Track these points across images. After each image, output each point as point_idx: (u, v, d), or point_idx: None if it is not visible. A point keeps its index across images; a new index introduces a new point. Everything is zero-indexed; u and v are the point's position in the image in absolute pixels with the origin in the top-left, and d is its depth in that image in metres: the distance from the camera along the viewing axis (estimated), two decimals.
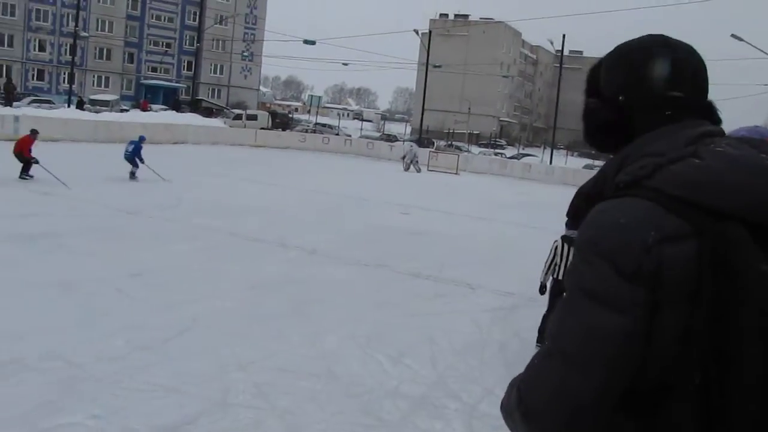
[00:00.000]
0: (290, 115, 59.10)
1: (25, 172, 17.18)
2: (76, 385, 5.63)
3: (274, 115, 53.51)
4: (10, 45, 59.21)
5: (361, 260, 11.56)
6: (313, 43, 43.50)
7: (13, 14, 58.86)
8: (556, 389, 1.18)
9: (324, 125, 55.88)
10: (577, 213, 1.40)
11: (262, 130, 42.73)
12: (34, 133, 17.76)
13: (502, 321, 8.79)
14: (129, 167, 18.82)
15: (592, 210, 1.25)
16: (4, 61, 58.30)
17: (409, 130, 66.07)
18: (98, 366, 6.02)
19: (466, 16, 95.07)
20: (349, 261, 11.47)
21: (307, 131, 48.10)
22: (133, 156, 18.91)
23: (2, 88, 33.30)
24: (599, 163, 51.02)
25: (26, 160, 17.23)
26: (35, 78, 60.76)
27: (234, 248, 11.67)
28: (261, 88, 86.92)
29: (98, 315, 7.41)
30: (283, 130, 47.07)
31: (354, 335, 7.53)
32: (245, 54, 71.92)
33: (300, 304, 8.55)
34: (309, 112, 67.09)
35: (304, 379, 6.21)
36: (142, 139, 19.42)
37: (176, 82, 68.21)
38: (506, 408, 1.30)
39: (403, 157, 34.28)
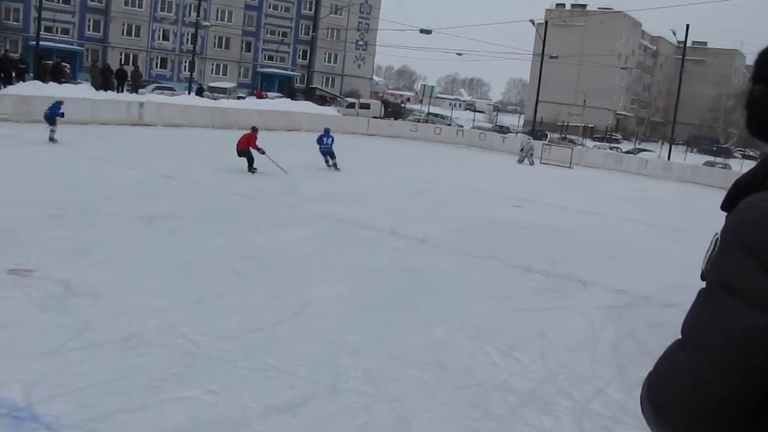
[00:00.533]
0: (403, 105, 59.21)
1: (250, 166, 18.23)
2: (193, 361, 5.83)
3: (386, 104, 53.78)
4: (137, 35, 61.90)
5: (471, 251, 11.45)
6: (429, 32, 43.39)
7: (140, 6, 61.52)
8: (689, 382, 1.10)
9: (436, 115, 55.69)
10: (732, 206, 1.30)
11: (375, 119, 43.00)
12: (254, 129, 18.91)
13: (615, 319, 8.52)
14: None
15: (742, 201, 1.15)
16: (131, 50, 61.01)
17: (522, 121, 65.10)
18: (214, 344, 6.20)
19: (584, 5, 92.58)
20: (460, 252, 11.39)
21: (419, 121, 48.05)
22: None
23: (130, 75, 34.83)
24: (720, 160, 48.86)
25: (248, 154, 18.23)
26: (158, 66, 63.30)
27: (346, 235, 11.80)
28: (374, 77, 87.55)
29: (215, 295, 7.65)
30: (396, 119, 47.23)
31: (463, 326, 7.46)
32: (359, 43, 72.63)
33: (410, 292, 8.55)
34: (421, 102, 67.08)
35: (413, 367, 6.20)
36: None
37: (291, 71, 69.58)
38: (640, 397, 1.23)
39: (521, 149, 33.76)
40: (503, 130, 52.86)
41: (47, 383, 5.14)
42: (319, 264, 9.55)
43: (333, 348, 6.42)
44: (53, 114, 21.38)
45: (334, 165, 21.02)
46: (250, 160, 18.12)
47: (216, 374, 5.60)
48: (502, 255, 11.34)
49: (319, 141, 21.26)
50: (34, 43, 37.28)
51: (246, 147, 18.23)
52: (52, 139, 20.82)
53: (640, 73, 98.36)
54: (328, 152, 21.09)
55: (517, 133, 49.39)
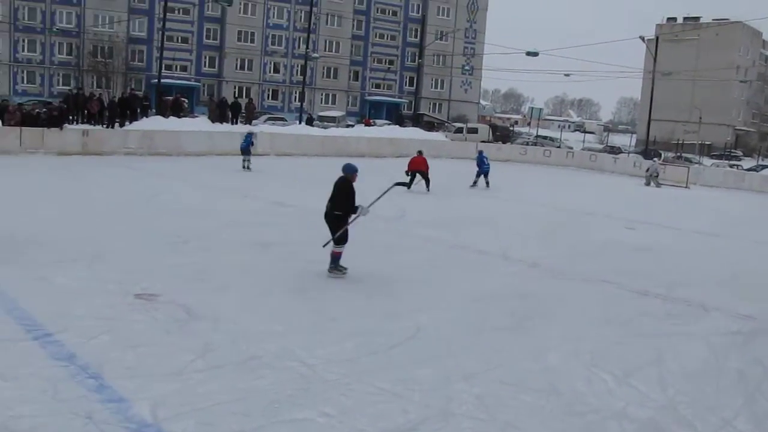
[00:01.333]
0: (511, 128, 58.84)
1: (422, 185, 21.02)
2: (309, 383, 5.96)
3: (494, 127, 53.63)
4: (249, 69, 64.25)
5: (585, 276, 11.22)
6: (536, 54, 42.96)
7: (252, 41, 63.90)
8: None
9: (545, 138, 55.06)
10: None
11: (483, 143, 42.89)
12: (420, 153, 21.98)
13: (740, 346, 8.11)
14: None
15: None
16: (245, 83, 63.37)
17: (633, 141, 63.34)
18: (329, 367, 6.32)
19: (697, 18, 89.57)
20: (573, 276, 11.17)
21: (527, 144, 47.66)
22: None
23: (244, 108, 36.15)
24: None
25: (423, 175, 21.15)
26: (270, 97, 65.38)
27: (456, 259, 11.80)
28: (481, 101, 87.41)
29: (329, 319, 7.80)
30: (504, 142, 46.99)
31: (578, 352, 7.31)
32: (465, 68, 72.75)
33: (522, 318, 8.46)
34: (529, 124, 66.54)
35: (526, 393, 6.12)
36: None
37: (399, 98, 70.39)
38: None
39: (647, 172, 32.75)
40: (614, 150, 51.64)
41: (172, 402, 5.39)
42: (431, 289, 9.59)
43: (446, 373, 6.43)
44: (247, 144, 24.33)
45: (487, 183, 23.75)
46: (413, 181, 20.53)
47: (331, 397, 5.70)
48: (617, 279, 11.05)
49: (480, 162, 23.94)
50: (156, 80, 39.31)
51: (421, 168, 21.05)
52: (247, 168, 22.85)
53: (761, 85, 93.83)
54: (486, 172, 23.77)
55: (628, 153, 48.12)
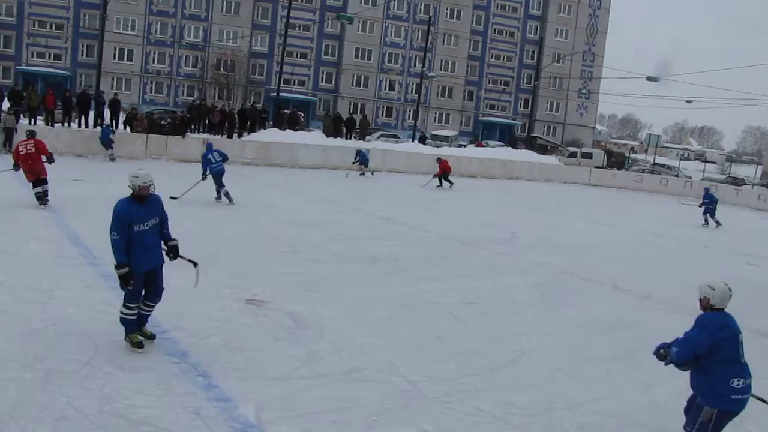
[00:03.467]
0: (627, 155, 57.29)
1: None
2: (409, 399, 5.98)
3: (609, 153, 52.36)
4: (365, 85, 65.31)
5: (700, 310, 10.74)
6: (656, 80, 41.70)
7: (369, 58, 65.00)
8: None
9: (662, 166, 53.26)
10: None
11: (597, 169, 41.95)
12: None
13: None
14: None
15: None
16: (360, 99, 64.42)
17: (759, 173, 60.42)
18: (430, 385, 6.32)
19: None
20: (687, 310, 10.67)
21: (643, 171, 46.22)
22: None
23: (358, 124, 36.70)
24: None
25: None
26: (384, 114, 66.19)
27: (565, 285, 11.56)
28: (597, 126, 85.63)
29: (433, 337, 7.80)
30: (619, 169, 45.82)
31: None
32: (582, 92, 71.44)
33: (631, 349, 8.18)
34: (646, 151, 64.45)
35: (631, 428, 5.95)
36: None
37: (512, 119, 69.79)
38: None
39: None
40: (737, 181, 49.42)
41: (276, 406, 5.54)
42: (537, 313, 9.44)
43: (548, 399, 6.31)
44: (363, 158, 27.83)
45: (716, 222, 23.59)
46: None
47: (430, 414, 5.70)
48: (736, 316, 10.51)
49: (707, 199, 23.97)
50: (275, 94, 40.54)
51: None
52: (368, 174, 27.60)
53: None
54: (711, 211, 23.70)
55: (752, 185, 45.95)
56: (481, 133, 64.64)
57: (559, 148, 55.97)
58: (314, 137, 33.35)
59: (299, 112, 38.32)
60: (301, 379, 6.17)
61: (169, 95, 59.64)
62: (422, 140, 42.80)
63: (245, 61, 59.70)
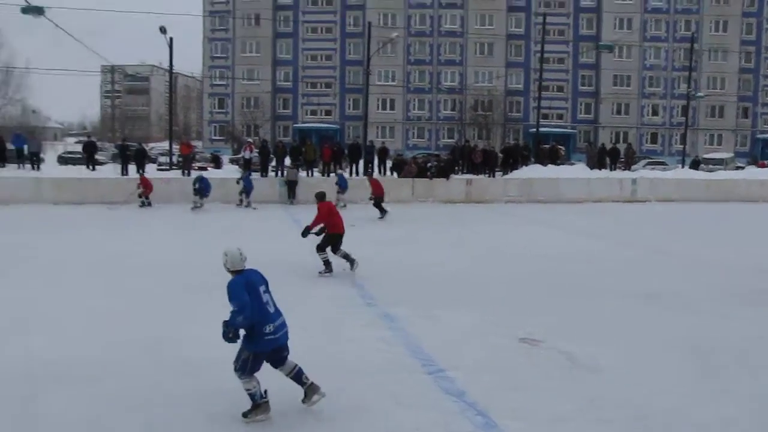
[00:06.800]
0: None
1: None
2: None
3: None
4: (626, 113, 63.11)
5: None
6: None
7: (628, 84, 62.82)
8: None
9: None
10: None
11: None
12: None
13: None
14: None
15: None
16: (621, 128, 62.37)
17: None
18: None
19: None
20: None
21: None
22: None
23: (623, 153, 35.30)
24: None
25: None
26: (648, 141, 63.33)
27: None
28: None
29: (720, 388, 7.16)
30: None
31: None
32: None
33: None
34: None
35: None
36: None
37: None
38: None
39: None
40: None
41: None
42: None
43: None
44: None
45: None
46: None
47: None
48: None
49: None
50: (534, 129, 40.49)
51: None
52: None
53: None
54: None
55: None
56: (761, 153, 59.43)
57: None
58: (577, 170, 32.70)
59: (559, 147, 37.75)
60: (585, 422, 5.96)
61: (431, 139, 62.02)
62: (695, 165, 40.22)
63: (501, 99, 60.47)
